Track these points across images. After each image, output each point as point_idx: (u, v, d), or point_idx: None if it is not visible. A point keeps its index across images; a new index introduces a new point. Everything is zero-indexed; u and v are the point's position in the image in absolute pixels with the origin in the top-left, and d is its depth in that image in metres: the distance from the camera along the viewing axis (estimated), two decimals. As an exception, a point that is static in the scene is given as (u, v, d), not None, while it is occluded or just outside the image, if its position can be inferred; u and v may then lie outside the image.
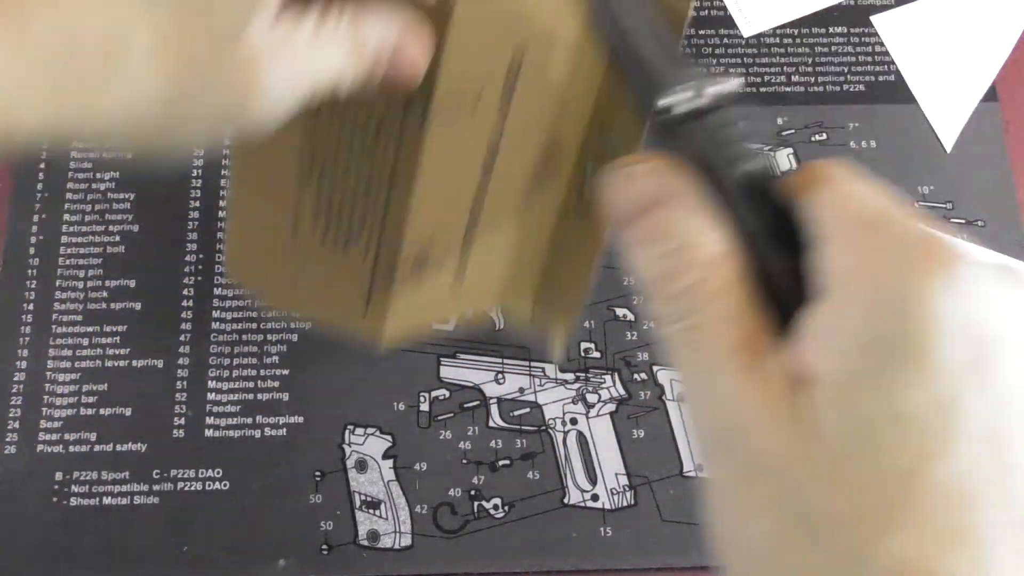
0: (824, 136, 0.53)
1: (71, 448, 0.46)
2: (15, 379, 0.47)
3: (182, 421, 0.47)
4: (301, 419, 0.47)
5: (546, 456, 0.46)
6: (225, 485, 0.46)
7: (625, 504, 0.46)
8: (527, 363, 0.48)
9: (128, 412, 0.47)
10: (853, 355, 0.19)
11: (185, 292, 0.49)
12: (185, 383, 0.47)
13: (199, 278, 0.49)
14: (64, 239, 0.50)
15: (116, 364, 0.48)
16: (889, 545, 0.18)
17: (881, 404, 0.19)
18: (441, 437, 0.47)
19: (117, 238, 0.50)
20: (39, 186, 0.51)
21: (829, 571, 0.19)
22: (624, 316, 0.49)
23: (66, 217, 0.50)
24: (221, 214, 0.50)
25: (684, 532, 0.45)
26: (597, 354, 0.48)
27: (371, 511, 0.45)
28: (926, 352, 0.19)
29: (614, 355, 0.48)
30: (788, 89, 0.54)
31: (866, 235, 0.20)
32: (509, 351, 0.48)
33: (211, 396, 0.47)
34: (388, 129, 0.33)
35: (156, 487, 0.45)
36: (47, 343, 0.48)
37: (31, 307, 0.48)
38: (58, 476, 0.45)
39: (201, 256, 0.50)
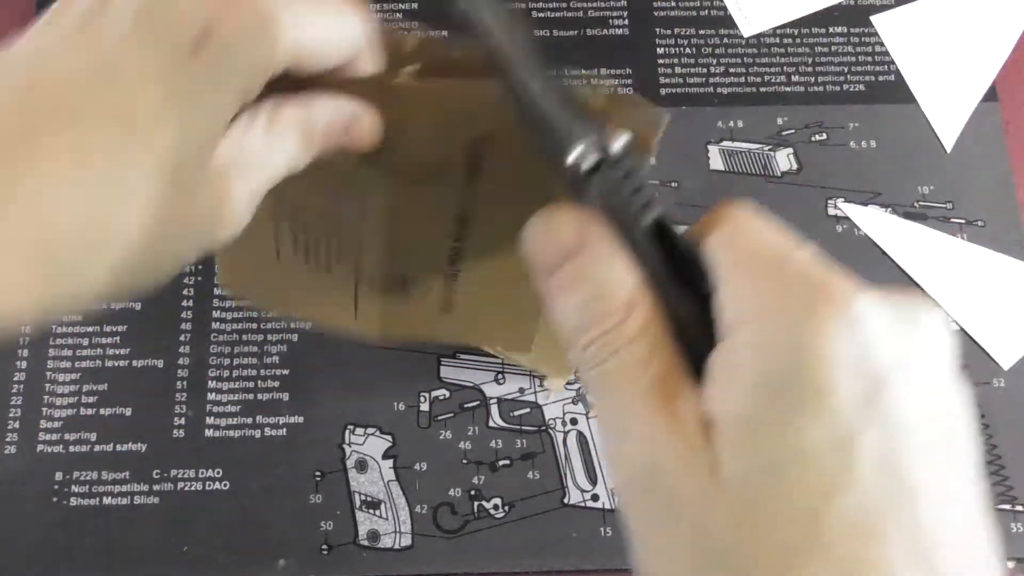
0: (824, 136, 0.53)
1: (71, 448, 0.46)
2: (15, 379, 0.47)
3: (182, 421, 0.47)
4: (301, 419, 0.47)
5: (546, 456, 0.46)
6: (225, 485, 0.46)
7: (625, 504, 0.46)
8: (527, 363, 0.48)
9: (128, 412, 0.47)
10: (750, 396, 0.20)
11: (185, 292, 0.49)
12: (185, 383, 0.47)
13: (199, 278, 0.49)
14: (64, 239, 0.50)
15: (116, 364, 0.48)
16: None
17: (780, 443, 0.19)
18: (441, 437, 0.47)
19: (117, 238, 0.50)
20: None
21: None
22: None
23: (66, 217, 0.50)
24: (221, 214, 0.50)
25: (684, 532, 0.45)
26: (597, 354, 0.48)
27: (371, 511, 0.45)
28: (821, 389, 0.19)
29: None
30: (788, 89, 0.54)
31: (762, 275, 0.21)
32: (509, 351, 0.48)
33: (211, 396, 0.47)
34: (350, 183, 0.33)
35: (156, 487, 0.45)
36: (47, 343, 0.48)
37: (31, 307, 0.48)
38: (58, 476, 0.45)
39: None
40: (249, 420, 0.47)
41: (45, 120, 0.23)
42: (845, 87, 0.54)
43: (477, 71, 0.27)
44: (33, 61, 0.24)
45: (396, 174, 0.33)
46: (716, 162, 0.52)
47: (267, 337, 0.48)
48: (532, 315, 0.40)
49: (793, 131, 0.53)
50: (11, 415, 0.46)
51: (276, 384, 0.48)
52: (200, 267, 0.49)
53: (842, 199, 0.52)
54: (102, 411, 0.47)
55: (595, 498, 0.46)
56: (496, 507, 0.45)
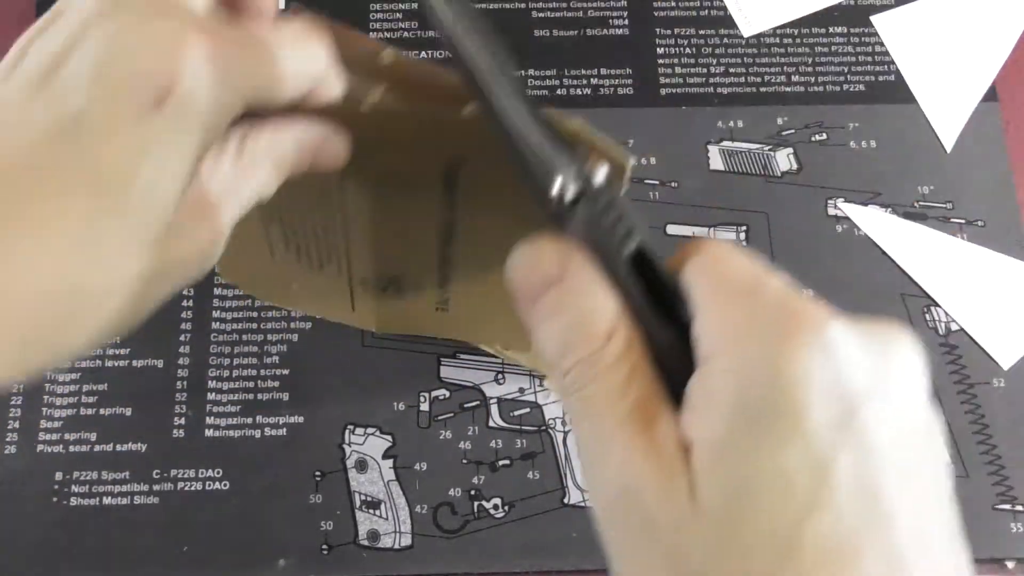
0: (824, 136, 0.53)
1: (71, 448, 0.46)
2: (15, 379, 0.47)
3: (182, 421, 0.47)
4: (301, 419, 0.47)
5: (546, 456, 0.46)
6: (225, 485, 0.46)
7: (625, 504, 0.46)
8: (527, 363, 0.48)
9: (128, 412, 0.47)
10: (726, 421, 0.20)
11: (185, 292, 0.49)
12: (185, 383, 0.47)
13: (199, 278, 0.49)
14: (64, 239, 0.50)
15: (116, 364, 0.48)
16: None
17: (756, 468, 0.19)
18: (441, 437, 0.47)
19: (117, 238, 0.50)
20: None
21: None
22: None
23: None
24: (221, 214, 0.50)
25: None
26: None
27: (371, 511, 0.45)
28: (796, 414, 0.19)
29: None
30: (788, 89, 0.54)
31: (737, 303, 0.21)
32: (509, 351, 0.48)
33: (211, 396, 0.47)
34: (328, 194, 0.34)
35: (156, 487, 0.45)
36: (47, 343, 0.48)
37: (31, 307, 0.48)
38: (58, 476, 0.45)
39: (201, 256, 0.50)
40: (249, 420, 0.47)
41: (9, 186, 0.22)
42: (845, 87, 0.54)
43: (449, 90, 0.27)
44: None
45: (372, 187, 0.33)
46: (716, 162, 0.52)
47: (267, 337, 0.48)
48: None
49: (793, 131, 0.53)
50: (11, 415, 0.46)
51: (276, 384, 0.48)
52: (200, 267, 0.49)
53: (842, 199, 0.52)
54: (102, 411, 0.47)
55: (595, 498, 0.46)
56: (496, 507, 0.45)
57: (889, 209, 0.51)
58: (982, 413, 0.47)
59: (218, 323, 0.49)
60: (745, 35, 0.56)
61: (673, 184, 0.52)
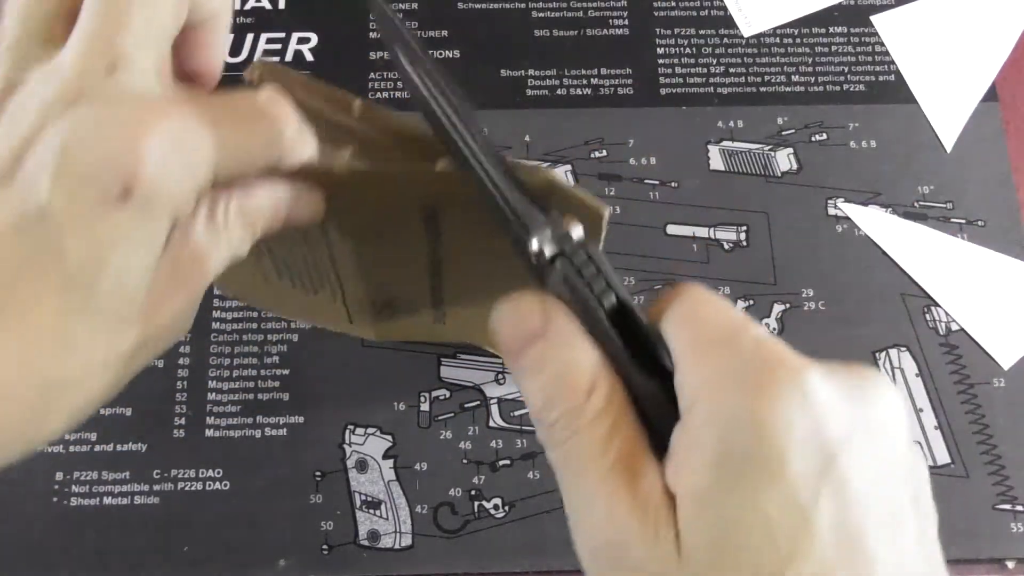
0: (824, 136, 0.53)
1: (71, 448, 0.46)
2: (15, 379, 0.47)
3: (182, 421, 0.47)
4: (301, 419, 0.47)
5: (546, 456, 0.46)
6: (225, 485, 0.45)
7: (625, 504, 0.46)
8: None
9: (128, 412, 0.47)
10: (709, 471, 0.20)
11: (185, 292, 0.49)
12: (185, 383, 0.47)
13: (199, 278, 0.49)
14: (64, 239, 0.50)
15: (116, 364, 0.48)
16: None
17: (738, 516, 0.20)
18: (441, 437, 0.47)
19: (117, 238, 0.50)
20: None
21: None
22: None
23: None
24: (221, 214, 0.50)
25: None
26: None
27: (371, 511, 0.45)
28: (776, 463, 0.20)
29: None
30: (788, 89, 0.54)
31: (716, 353, 0.22)
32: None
33: (211, 396, 0.47)
34: (315, 235, 0.34)
35: (156, 487, 0.45)
36: (47, 343, 0.48)
37: (31, 307, 0.48)
38: (58, 476, 0.45)
39: (201, 256, 0.50)
40: (249, 420, 0.47)
41: None
42: (845, 87, 0.54)
43: (422, 142, 0.28)
44: None
45: (355, 231, 0.33)
46: (716, 162, 0.52)
47: (267, 337, 0.48)
48: None
49: (793, 131, 0.53)
50: (11, 415, 0.46)
51: (276, 384, 0.48)
52: (200, 267, 0.49)
53: (842, 199, 0.52)
54: (102, 411, 0.47)
55: (595, 498, 0.46)
56: (496, 507, 0.45)
57: (889, 209, 0.51)
58: (982, 413, 0.47)
59: (218, 323, 0.49)
60: (745, 35, 0.56)
61: (673, 184, 0.52)
